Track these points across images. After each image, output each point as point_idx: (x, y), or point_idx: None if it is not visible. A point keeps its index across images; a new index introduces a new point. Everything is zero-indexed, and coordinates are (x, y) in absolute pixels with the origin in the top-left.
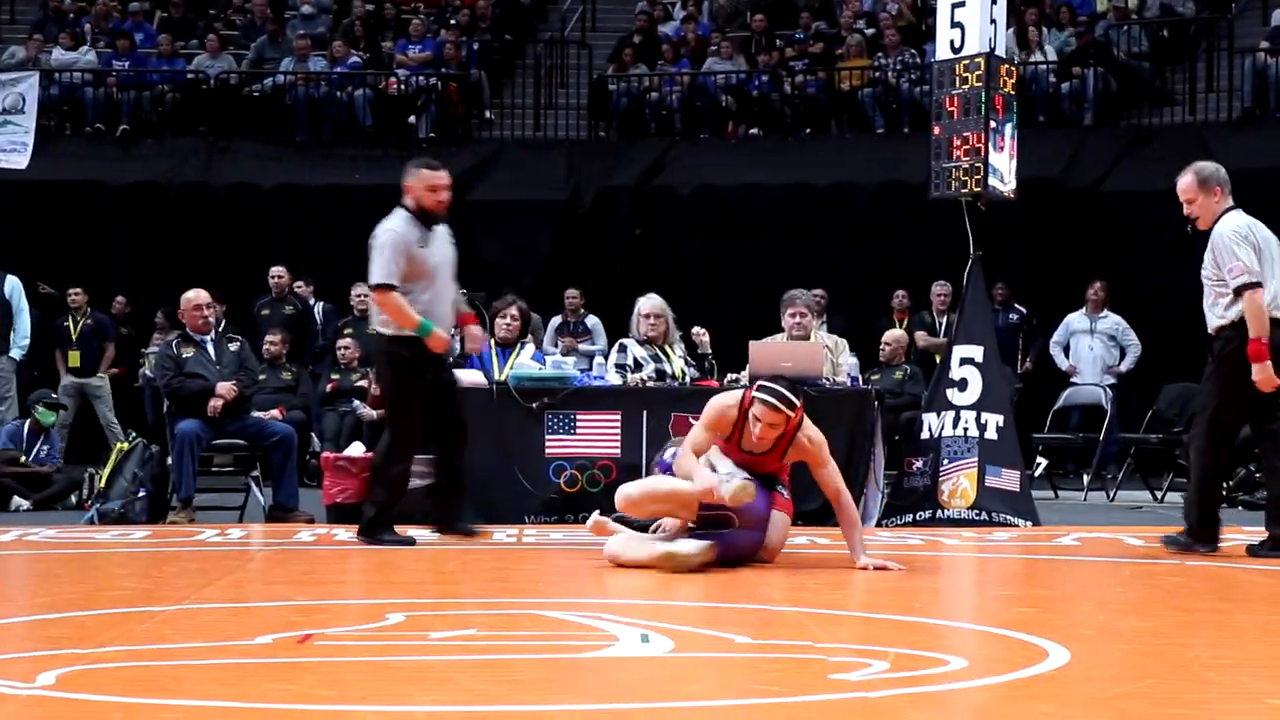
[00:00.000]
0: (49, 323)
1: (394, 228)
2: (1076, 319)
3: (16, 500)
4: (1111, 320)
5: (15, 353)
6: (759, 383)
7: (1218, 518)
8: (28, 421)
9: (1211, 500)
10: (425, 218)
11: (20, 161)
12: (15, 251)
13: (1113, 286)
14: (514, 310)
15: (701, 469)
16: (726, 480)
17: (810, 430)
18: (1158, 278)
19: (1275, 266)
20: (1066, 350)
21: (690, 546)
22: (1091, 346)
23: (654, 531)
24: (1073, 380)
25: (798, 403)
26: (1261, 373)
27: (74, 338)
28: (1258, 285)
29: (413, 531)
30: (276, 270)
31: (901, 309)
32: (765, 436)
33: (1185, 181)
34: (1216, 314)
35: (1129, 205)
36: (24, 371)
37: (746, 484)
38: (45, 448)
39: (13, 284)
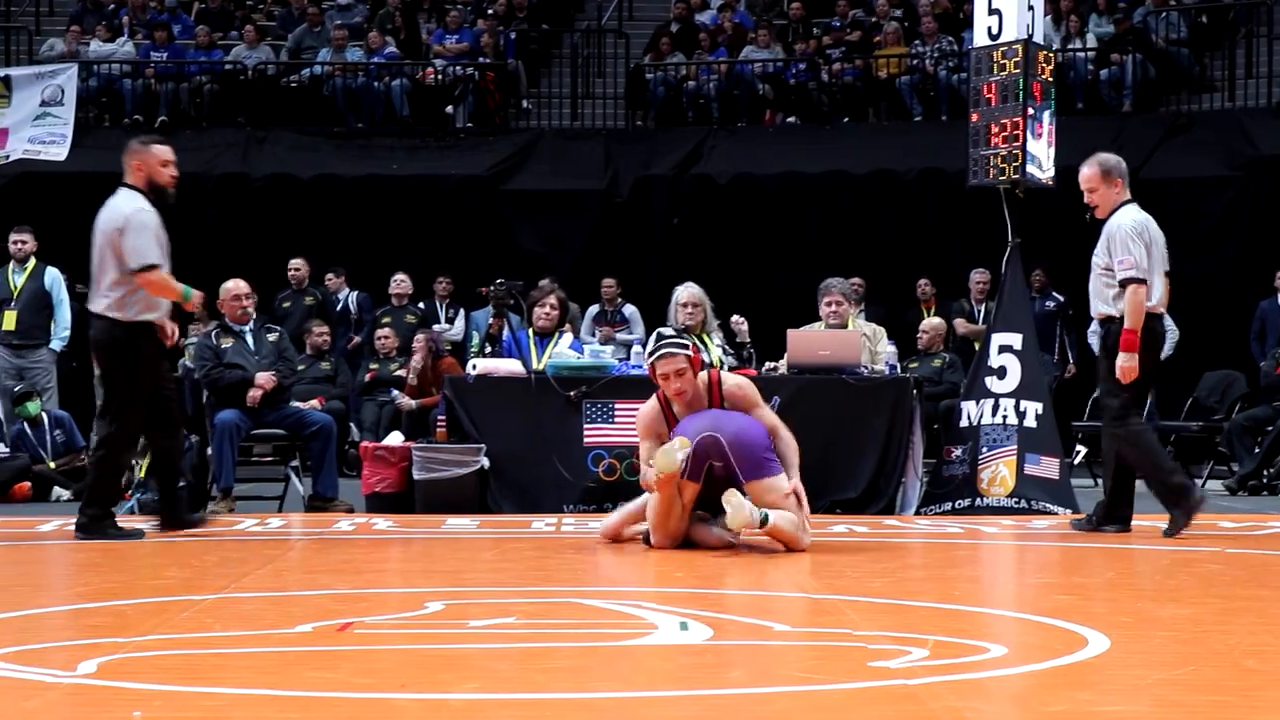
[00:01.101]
0: (82, 314)
1: (142, 207)
2: None
3: (57, 490)
4: None
5: (56, 344)
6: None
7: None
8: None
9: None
10: (159, 194)
11: (59, 153)
12: (55, 244)
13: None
14: (552, 299)
15: (645, 469)
16: (650, 463)
17: (732, 378)
18: (1196, 264)
19: (1160, 266)
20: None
21: (667, 449)
22: None
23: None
24: None
25: (687, 343)
26: (1128, 362)
27: None
28: (1142, 281)
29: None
30: (295, 262)
31: (926, 297)
32: (684, 389)
33: (1089, 171)
34: (1103, 302)
35: (1167, 192)
36: (63, 363)
37: (665, 448)
38: (58, 433)
39: (53, 276)
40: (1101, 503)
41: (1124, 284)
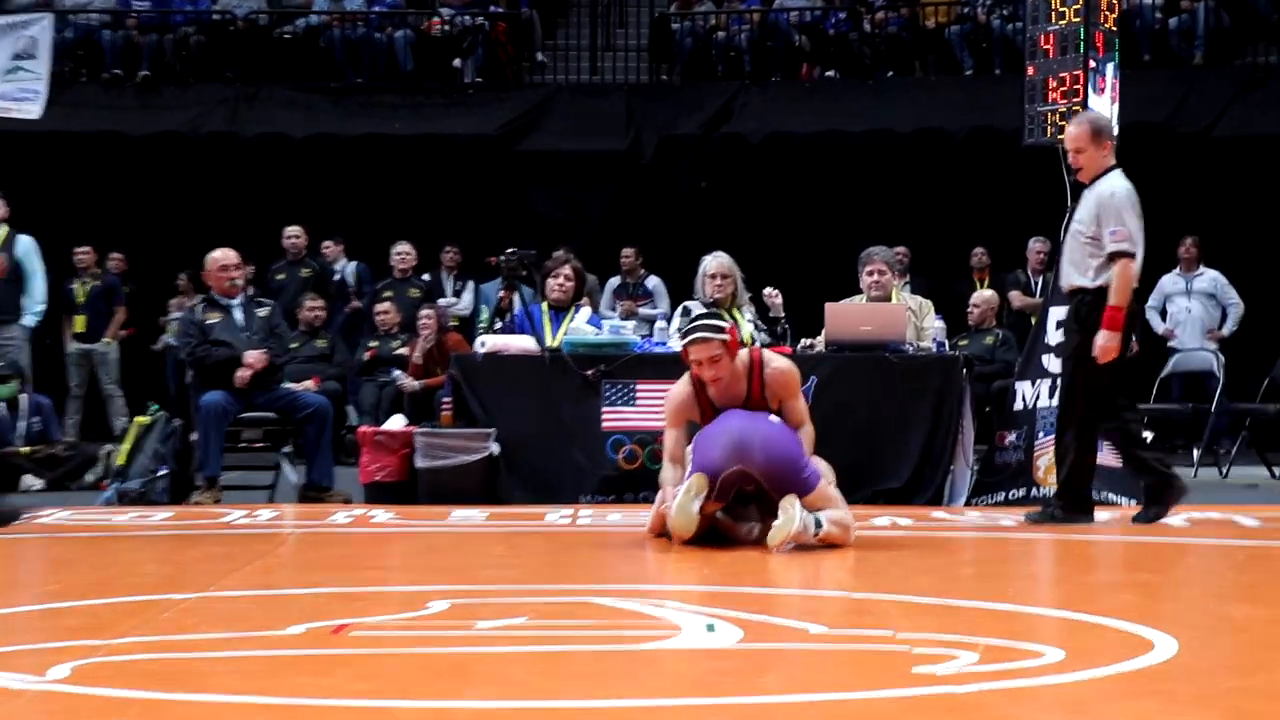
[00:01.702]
0: (56, 286)
1: None
2: (1170, 280)
3: (27, 480)
4: (1209, 277)
5: (29, 319)
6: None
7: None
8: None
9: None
10: None
11: (33, 111)
12: (28, 208)
13: (1225, 241)
14: (567, 270)
15: (668, 487)
16: (674, 510)
17: (777, 360)
18: (1277, 232)
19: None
20: (1163, 315)
21: (682, 507)
22: (1189, 308)
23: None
24: (1170, 345)
25: (725, 324)
26: (1110, 341)
27: (81, 301)
28: (1133, 256)
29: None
30: (292, 230)
31: (981, 268)
32: (720, 376)
33: (1077, 130)
34: (1081, 273)
35: (1243, 152)
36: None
37: (680, 504)
38: (36, 420)
39: (25, 245)
40: (1147, 487)
41: (1114, 256)
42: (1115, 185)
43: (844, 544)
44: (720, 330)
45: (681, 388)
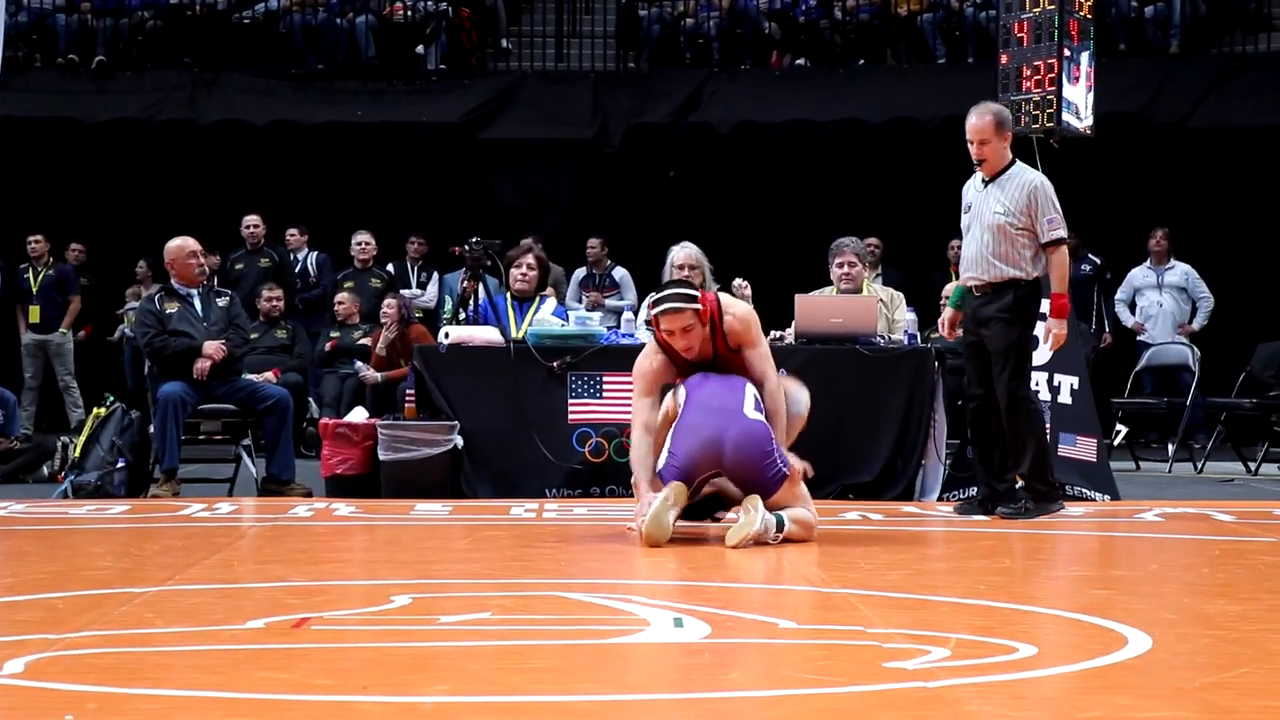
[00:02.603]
0: (9, 274)
1: None
2: (1140, 273)
3: None
4: (1180, 270)
5: None
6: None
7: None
8: None
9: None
10: None
11: None
12: None
13: (1200, 233)
14: (529, 259)
15: (641, 484)
16: (642, 519)
17: (734, 308)
18: (1254, 224)
19: None
20: (1133, 308)
21: (656, 516)
22: (1160, 302)
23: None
24: (1140, 339)
25: (695, 293)
26: (1061, 329)
27: (34, 290)
28: (1065, 242)
29: None
30: (251, 219)
31: (957, 260)
32: (690, 344)
33: (980, 122)
34: (1013, 265)
35: (1220, 143)
36: None
37: (655, 513)
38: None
39: None
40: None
41: (1052, 244)
42: (1036, 175)
43: (806, 541)
44: (693, 300)
45: (651, 358)
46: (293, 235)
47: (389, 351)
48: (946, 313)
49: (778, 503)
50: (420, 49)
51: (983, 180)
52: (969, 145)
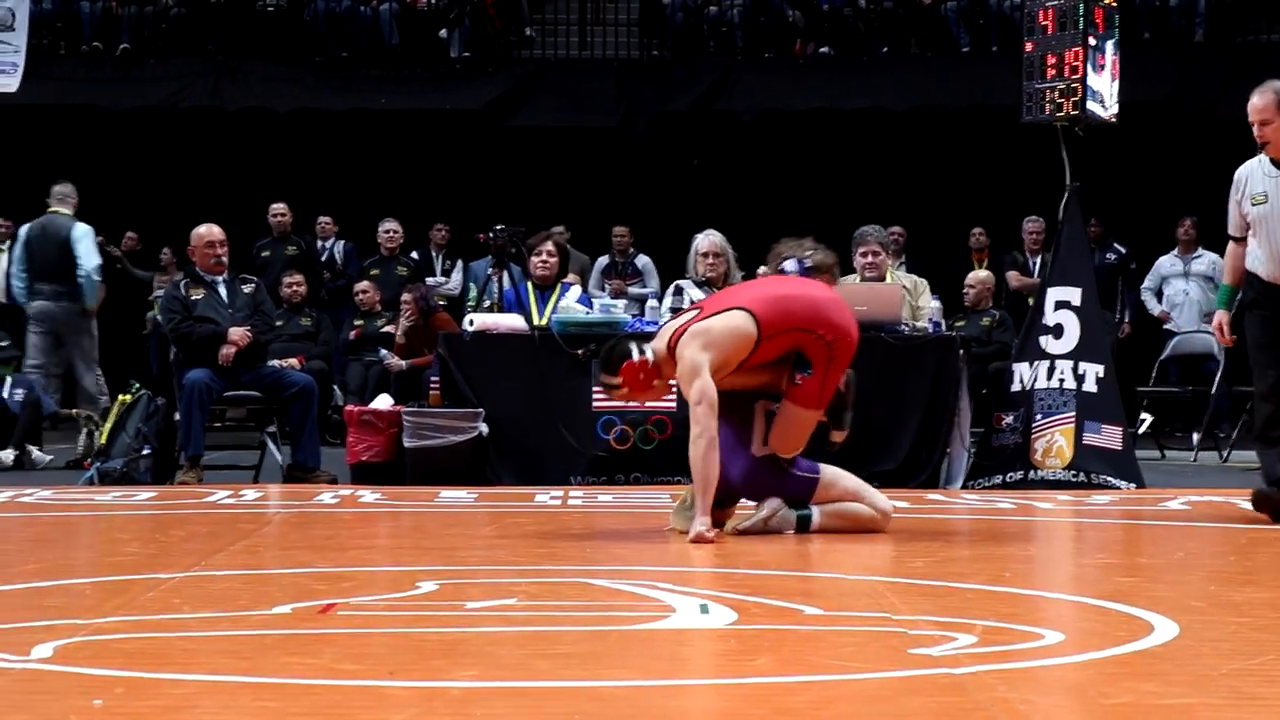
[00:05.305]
0: None
1: None
2: (1168, 262)
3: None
4: (1207, 260)
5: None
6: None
7: None
8: None
9: None
10: None
11: (10, 84)
12: (5, 184)
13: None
14: (549, 246)
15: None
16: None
17: (684, 359)
18: None
19: None
20: (1160, 297)
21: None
22: (1187, 291)
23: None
24: (1166, 327)
25: (623, 360)
26: None
27: None
28: None
29: None
30: (277, 207)
31: (979, 248)
32: (640, 401)
33: (1265, 100)
34: None
35: (1246, 132)
36: (9, 318)
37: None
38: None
39: None
40: None
41: None
42: None
43: (858, 532)
44: (609, 385)
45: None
46: (325, 223)
47: (411, 339)
48: (1218, 316)
49: (819, 501)
50: (443, 33)
51: (1273, 164)
52: (1251, 127)
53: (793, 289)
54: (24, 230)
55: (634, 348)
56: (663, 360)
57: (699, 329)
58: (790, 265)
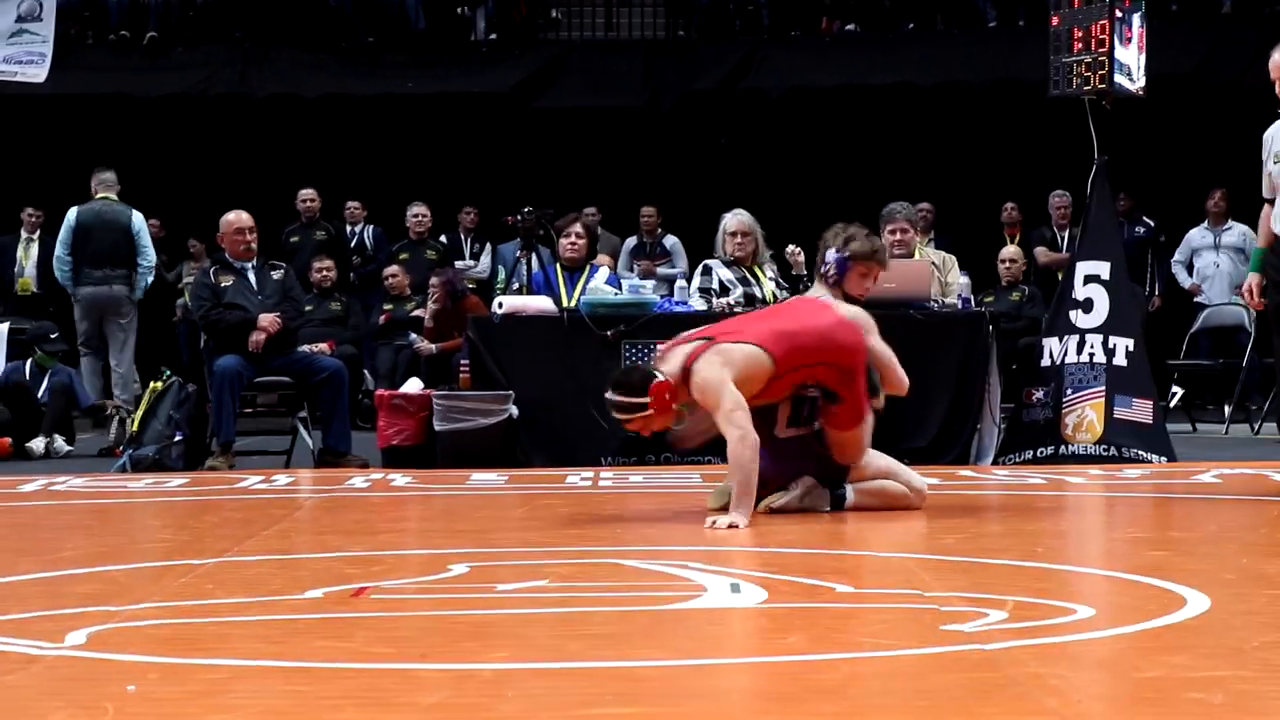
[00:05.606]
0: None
1: None
2: (1198, 234)
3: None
4: (1238, 231)
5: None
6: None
7: None
8: (29, 362)
9: None
10: None
11: (38, 74)
12: (34, 173)
13: (1258, 194)
14: (577, 228)
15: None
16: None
17: (698, 375)
18: None
19: None
20: (1191, 269)
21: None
22: (1217, 263)
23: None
24: (1197, 300)
25: (642, 393)
26: None
27: None
28: None
29: None
30: (306, 193)
31: (1012, 223)
32: (657, 427)
33: None
34: None
35: (1276, 103)
36: (40, 306)
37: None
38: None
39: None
40: None
41: None
42: None
43: (895, 509)
44: (637, 406)
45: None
46: (354, 208)
47: (439, 322)
48: (1250, 278)
49: (853, 480)
50: (465, 9)
51: None
52: (1273, 85)
53: (796, 323)
54: (73, 214)
55: (653, 370)
56: (677, 383)
57: (720, 349)
58: (831, 255)
